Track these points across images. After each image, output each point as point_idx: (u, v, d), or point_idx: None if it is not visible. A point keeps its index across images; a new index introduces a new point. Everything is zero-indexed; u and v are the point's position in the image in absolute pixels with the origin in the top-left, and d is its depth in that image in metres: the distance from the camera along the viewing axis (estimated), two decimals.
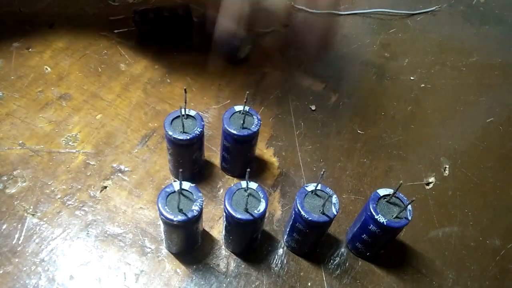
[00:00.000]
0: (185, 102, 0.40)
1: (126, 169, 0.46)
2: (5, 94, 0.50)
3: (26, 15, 0.60)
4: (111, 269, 0.40)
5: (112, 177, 0.46)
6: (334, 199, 0.37)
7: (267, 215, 0.44)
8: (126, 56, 0.57)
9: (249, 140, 0.43)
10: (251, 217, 0.36)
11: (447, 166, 0.52)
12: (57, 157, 0.46)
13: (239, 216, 0.36)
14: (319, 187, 0.38)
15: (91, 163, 0.46)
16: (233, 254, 0.42)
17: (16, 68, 0.53)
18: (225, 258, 0.42)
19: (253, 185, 0.37)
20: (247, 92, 0.43)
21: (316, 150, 0.51)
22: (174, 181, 0.39)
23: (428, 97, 0.60)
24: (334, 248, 0.44)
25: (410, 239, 0.45)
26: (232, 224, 0.37)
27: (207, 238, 0.43)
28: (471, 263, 0.45)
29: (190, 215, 0.35)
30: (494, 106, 0.61)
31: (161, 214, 0.35)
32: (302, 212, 0.37)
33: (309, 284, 0.41)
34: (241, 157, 0.45)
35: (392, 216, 0.38)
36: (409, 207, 0.38)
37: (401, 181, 0.37)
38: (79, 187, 0.44)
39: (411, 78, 0.62)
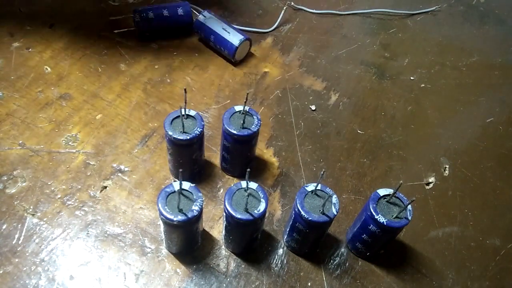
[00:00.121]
0: (185, 102, 0.40)
1: (126, 169, 0.46)
2: (5, 94, 0.50)
3: (26, 15, 0.60)
4: (111, 269, 0.40)
5: (112, 177, 0.46)
6: (334, 199, 0.37)
7: (267, 215, 0.44)
8: (126, 56, 0.57)
9: (249, 140, 0.43)
10: (251, 217, 0.36)
11: (447, 166, 0.52)
12: (57, 157, 0.46)
13: (239, 216, 0.36)
14: (319, 187, 0.38)
15: (91, 163, 0.46)
16: (233, 254, 0.42)
17: (16, 68, 0.53)
18: (225, 258, 0.42)
19: (253, 185, 0.37)
20: (247, 92, 0.43)
21: (316, 150, 0.51)
22: (174, 181, 0.40)
23: (428, 97, 0.60)
24: (334, 248, 0.44)
25: (410, 239, 0.45)
26: (232, 224, 0.37)
27: (207, 238, 0.43)
28: (471, 263, 0.45)
29: (190, 215, 0.35)
30: (494, 106, 0.61)
31: (161, 214, 0.35)
32: (302, 212, 0.37)
33: (309, 284, 0.41)
34: (241, 157, 0.45)
35: (392, 216, 0.38)
36: (409, 207, 0.38)
37: (401, 181, 0.37)
38: (79, 187, 0.44)
39: (411, 78, 0.62)
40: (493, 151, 0.55)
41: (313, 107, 0.56)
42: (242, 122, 0.42)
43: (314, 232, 0.39)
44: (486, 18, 0.75)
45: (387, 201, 0.39)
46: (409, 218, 0.38)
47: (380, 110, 0.57)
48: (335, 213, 0.37)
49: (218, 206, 0.45)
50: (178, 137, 0.40)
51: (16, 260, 0.39)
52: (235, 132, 0.41)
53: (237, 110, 0.43)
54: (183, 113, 0.41)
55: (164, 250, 0.41)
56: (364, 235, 0.40)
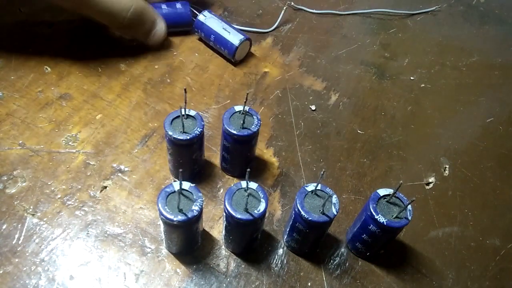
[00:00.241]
0: (185, 102, 0.40)
1: (126, 169, 0.46)
2: (5, 94, 0.50)
3: (26, 15, 0.60)
4: (111, 269, 0.40)
5: (112, 177, 0.46)
6: (334, 199, 0.37)
7: (267, 215, 0.44)
8: (126, 56, 0.57)
9: (249, 140, 0.43)
10: (251, 217, 0.36)
11: (447, 166, 0.53)
12: (57, 157, 0.46)
13: (239, 216, 0.36)
14: (319, 187, 0.38)
15: (91, 163, 0.46)
16: (233, 254, 0.42)
17: (16, 68, 0.53)
18: (225, 258, 0.42)
19: (253, 185, 0.37)
20: (247, 92, 0.43)
21: (316, 150, 0.51)
22: (174, 181, 0.40)
23: (428, 97, 0.60)
24: (334, 248, 0.44)
25: (410, 239, 0.45)
26: (232, 224, 0.37)
27: (207, 238, 0.43)
28: (471, 263, 0.45)
29: (190, 215, 0.35)
30: (494, 106, 0.61)
31: (161, 214, 0.35)
32: (302, 212, 0.37)
33: (309, 284, 0.41)
34: (241, 157, 0.45)
35: (392, 216, 0.38)
36: (409, 207, 0.38)
37: (401, 181, 0.37)
38: (79, 187, 0.44)
39: (411, 78, 0.62)
40: (493, 151, 0.55)
41: (313, 107, 0.56)
42: (242, 122, 0.42)
43: (314, 232, 0.39)
44: (486, 18, 0.75)
45: (387, 201, 0.39)
46: (409, 218, 0.38)
47: (380, 110, 0.57)
48: (335, 213, 0.37)
49: (218, 206, 0.45)
50: (178, 137, 0.40)
51: (16, 260, 0.39)
52: (235, 132, 0.41)
53: (237, 110, 0.43)
54: (183, 113, 0.41)
55: (164, 250, 0.41)
56: (364, 235, 0.40)
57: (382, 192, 0.39)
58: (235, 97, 0.55)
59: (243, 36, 0.57)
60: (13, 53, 0.55)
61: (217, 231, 0.43)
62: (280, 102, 0.56)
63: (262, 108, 0.55)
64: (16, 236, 0.40)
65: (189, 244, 0.41)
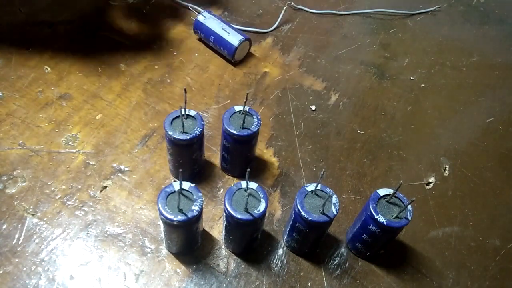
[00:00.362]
0: (185, 102, 0.40)
1: (126, 169, 0.46)
2: (5, 94, 0.50)
3: (26, 15, 0.60)
4: (111, 269, 0.40)
5: (112, 177, 0.46)
6: (334, 199, 0.37)
7: (267, 215, 0.44)
8: (126, 56, 0.57)
9: (249, 140, 0.43)
10: (251, 217, 0.36)
11: (447, 166, 0.52)
12: (57, 157, 0.46)
13: (239, 216, 0.36)
14: (319, 187, 0.38)
15: (91, 163, 0.46)
16: (233, 254, 0.42)
17: (16, 68, 0.53)
18: (225, 258, 0.42)
19: (253, 185, 0.37)
20: (247, 92, 0.43)
21: (316, 150, 0.51)
22: (174, 181, 0.39)
23: (428, 97, 0.60)
24: (334, 248, 0.44)
25: (410, 239, 0.45)
26: (232, 224, 0.37)
27: (207, 238, 0.43)
28: (471, 263, 0.45)
29: (190, 215, 0.35)
30: (494, 106, 0.61)
31: (161, 214, 0.35)
32: (302, 212, 0.37)
33: (309, 284, 0.41)
34: (241, 157, 0.45)
35: (392, 216, 0.38)
36: (409, 207, 0.38)
37: (401, 181, 0.37)
38: (79, 187, 0.44)
39: (411, 78, 0.62)
40: (493, 151, 0.55)
41: (313, 107, 0.56)
42: (242, 122, 0.42)
43: (314, 232, 0.39)
44: (486, 18, 0.75)
45: (387, 201, 0.39)
46: (409, 218, 0.38)
47: (380, 110, 0.57)
48: (335, 213, 0.37)
49: (218, 206, 0.45)
50: (178, 137, 0.40)
51: (16, 260, 0.39)
52: (235, 132, 0.41)
53: (237, 110, 0.43)
54: (183, 113, 0.41)
55: (164, 250, 0.41)
56: (364, 235, 0.40)
57: (382, 192, 0.39)
58: (235, 97, 0.55)
59: (242, 37, 0.57)
60: (13, 53, 0.55)
61: (217, 231, 0.43)
62: (280, 102, 0.56)
63: (262, 108, 0.55)
64: (16, 236, 0.40)
65: (189, 244, 0.41)
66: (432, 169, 0.52)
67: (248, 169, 0.35)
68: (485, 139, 0.56)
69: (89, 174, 0.45)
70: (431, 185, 0.50)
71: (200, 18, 0.58)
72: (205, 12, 0.59)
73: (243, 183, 0.37)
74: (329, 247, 0.44)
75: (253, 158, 0.48)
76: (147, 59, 0.58)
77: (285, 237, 0.42)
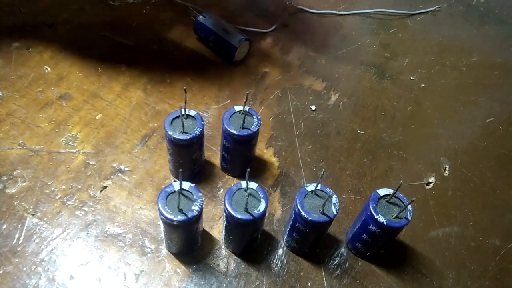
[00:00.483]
0: (185, 102, 0.40)
1: (126, 169, 0.46)
2: (5, 94, 0.50)
3: (26, 15, 0.60)
4: (111, 269, 0.40)
5: (112, 177, 0.46)
6: (334, 199, 0.37)
7: (267, 215, 0.44)
8: (126, 56, 0.57)
9: (249, 140, 0.43)
10: (251, 217, 0.36)
11: (447, 166, 0.52)
12: (57, 157, 0.46)
13: (239, 216, 0.36)
14: (319, 187, 0.38)
15: (91, 163, 0.46)
16: (233, 254, 0.42)
17: (16, 68, 0.53)
18: (225, 258, 0.42)
19: (253, 185, 0.37)
20: (247, 92, 0.43)
21: (316, 150, 0.51)
22: (174, 181, 0.39)
23: (428, 97, 0.60)
24: (334, 248, 0.44)
25: (410, 239, 0.45)
26: (232, 224, 0.37)
27: (207, 238, 0.43)
28: (471, 263, 0.45)
29: (190, 215, 0.35)
30: (494, 106, 0.61)
31: (161, 214, 0.35)
32: (302, 212, 0.37)
33: (309, 284, 0.41)
34: (241, 157, 0.45)
35: (392, 216, 0.38)
36: (409, 207, 0.38)
37: (401, 181, 0.37)
38: (79, 187, 0.44)
39: (411, 78, 0.62)
40: (493, 151, 0.55)
41: (313, 107, 0.56)
42: (242, 122, 0.42)
43: (314, 232, 0.39)
44: (486, 18, 0.75)
45: (387, 201, 0.39)
46: (409, 218, 0.38)
47: (380, 110, 0.57)
48: (335, 213, 0.37)
49: (218, 206, 0.45)
50: (178, 137, 0.40)
51: (16, 260, 0.39)
52: (235, 132, 0.41)
53: (237, 110, 0.43)
54: (183, 113, 0.41)
55: (164, 250, 0.41)
56: (364, 235, 0.40)
57: (382, 192, 0.39)
58: (235, 97, 0.55)
59: (242, 37, 0.57)
60: (13, 53, 0.55)
61: (217, 231, 0.43)
62: (280, 102, 0.56)
63: (262, 108, 0.55)
64: (16, 236, 0.40)
65: (189, 244, 0.41)
66: (432, 169, 0.52)
67: (248, 169, 0.35)
68: (485, 139, 0.56)
69: (89, 174, 0.45)
70: (431, 185, 0.50)
71: (200, 18, 0.58)
72: (205, 12, 0.59)
73: (243, 183, 0.37)
74: (329, 247, 0.44)
75: (253, 158, 0.48)
76: (147, 59, 0.58)
77: (285, 237, 0.42)
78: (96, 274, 0.39)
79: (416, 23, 0.72)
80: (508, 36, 0.72)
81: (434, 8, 0.74)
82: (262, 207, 0.36)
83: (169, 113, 0.41)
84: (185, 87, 0.40)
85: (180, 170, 0.34)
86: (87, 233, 0.41)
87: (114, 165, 0.47)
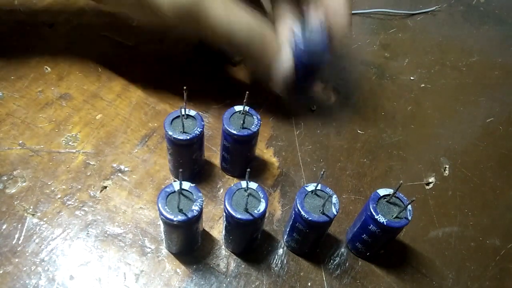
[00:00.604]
0: (185, 102, 0.40)
1: (126, 169, 0.46)
2: (5, 94, 0.50)
3: (26, 15, 0.60)
4: (111, 269, 0.40)
5: (112, 177, 0.46)
6: (334, 199, 0.37)
7: (267, 215, 0.44)
8: (126, 56, 0.57)
9: (249, 140, 0.43)
10: (251, 217, 0.36)
11: (447, 166, 0.53)
12: (57, 157, 0.46)
13: (239, 216, 0.36)
14: (319, 187, 0.38)
15: (91, 163, 0.46)
16: (233, 254, 0.42)
17: (16, 68, 0.53)
18: (225, 258, 0.42)
19: (253, 185, 0.37)
20: (247, 92, 0.43)
21: (316, 150, 0.51)
22: (174, 181, 0.39)
23: (428, 97, 0.60)
24: (334, 248, 0.44)
25: (410, 239, 0.45)
26: (232, 224, 0.37)
27: (207, 238, 0.43)
28: (471, 263, 0.45)
29: (190, 215, 0.35)
30: (494, 106, 0.61)
31: (161, 214, 0.35)
32: (302, 212, 0.37)
33: (309, 284, 0.41)
34: (241, 157, 0.45)
35: (392, 216, 0.38)
36: (409, 207, 0.38)
37: (401, 181, 0.37)
38: (79, 187, 0.44)
39: (411, 78, 0.62)
40: (493, 151, 0.55)
41: (313, 107, 0.56)
42: (242, 122, 0.42)
43: (314, 232, 0.39)
44: (486, 18, 0.75)
45: (387, 201, 0.39)
46: (409, 218, 0.38)
47: (380, 110, 0.57)
48: (335, 213, 0.37)
49: (218, 206, 0.45)
50: (178, 137, 0.40)
51: (16, 260, 0.39)
52: (235, 132, 0.41)
53: (237, 110, 0.43)
54: (183, 113, 0.41)
55: (164, 250, 0.41)
56: (364, 235, 0.40)
57: (382, 192, 0.39)
58: (235, 97, 0.55)
59: None
60: (13, 53, 0.55)
61: (217, 231, 0.43)
62: (280, 102, 0.56)
63: (262, 108, 0.55)
64: (16, 236, 0.40)
65: (189, 244, 0.41)
66: (432, 169, 0.52)
67: (248, 169, 0.35)
68: (485, 139, 0.56)
69: (89, 174, 0.45)
70: (431, 185, 0.50)
71: None
72: None
73: (243, 183, 0.37)
74: (329, 247, 0.44)
75: (253, 158, 0.48)
76: (147, 59, 0.58)
77: (285, 237, 0.42)
78: (96, 274, 0.39)
79: (416, 23, 0.72)
80: (508, 36, 0.72)
81: (434, 8, 0.74)
82: (262, 207, 0.36)
83: (169, 113, 0.41)
84: (185, 87, 0.40)
85: (180, 170, 0.34)
86: (87, 233, 0.41)
87: (114, 165, 0.47)
